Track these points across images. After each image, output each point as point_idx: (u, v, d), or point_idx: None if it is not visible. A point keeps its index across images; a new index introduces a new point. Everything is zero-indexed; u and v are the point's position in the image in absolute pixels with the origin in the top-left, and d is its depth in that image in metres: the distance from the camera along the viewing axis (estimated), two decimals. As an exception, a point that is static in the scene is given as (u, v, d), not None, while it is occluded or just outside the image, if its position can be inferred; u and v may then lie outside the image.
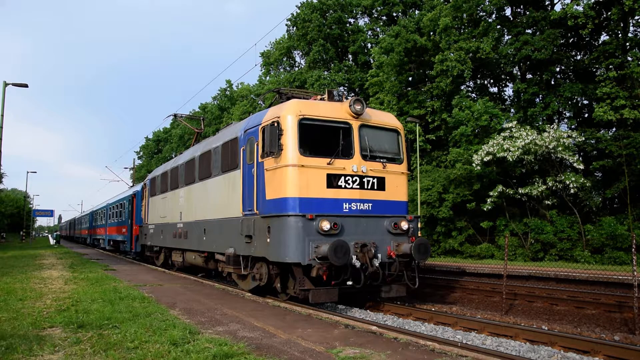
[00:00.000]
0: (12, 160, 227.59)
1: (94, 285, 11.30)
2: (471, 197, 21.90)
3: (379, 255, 8.87)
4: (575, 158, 19.22)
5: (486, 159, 20.16)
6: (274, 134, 8.77)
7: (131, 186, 36.29)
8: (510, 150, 19.44)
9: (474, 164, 20.71)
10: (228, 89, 51.67)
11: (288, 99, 10.14)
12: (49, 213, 66.18)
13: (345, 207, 8.90)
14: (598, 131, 21.07)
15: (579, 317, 9.85)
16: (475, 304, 11.76)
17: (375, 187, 9.28)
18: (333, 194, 8.84)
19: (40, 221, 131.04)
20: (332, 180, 8.86)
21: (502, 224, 21.19)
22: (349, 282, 8.62)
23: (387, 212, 9.33)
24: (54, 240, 51.01)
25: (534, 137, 19.10)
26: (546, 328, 8.89)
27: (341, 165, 8.96)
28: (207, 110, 51.73)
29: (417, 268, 9.65)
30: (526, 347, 7.20)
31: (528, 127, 20.09)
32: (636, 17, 20.30)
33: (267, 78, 41.14)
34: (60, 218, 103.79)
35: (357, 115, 9.30)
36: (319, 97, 10.12)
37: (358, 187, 9.07)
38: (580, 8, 19.93)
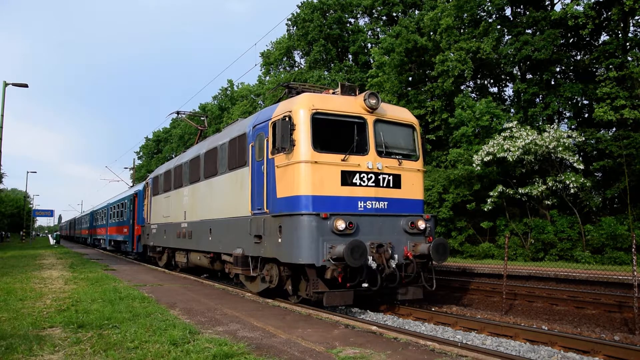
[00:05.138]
0: (12, 160, 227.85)
1: (94, 285, 11.31)
2: (471, 197, 21.89)
3: (396, 256, 8.56)
4: (575, 158, 19.20)
5: (486, 159, 20.15)
6: (285, 129, 8.38)
7: (131, 186, 36.27)
8: (510, 151, 19.44)
9: (474, 164, 20.71)
10: (229, 88, 51.67)
11: (298, 93, 9.74)
12: (49, 213, 66.10)
13: (360, 205, 8.56)
14: (598, 131, 21.05)
15: (579, 317, 9.84)
16: (475, 304, 11.75)
17: (391, 185, 8.96)
18: (347, 191, 8.50)
19: (40, 221, 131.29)
20: (347, 178, 8.51)
21: (502, 224, 21.19)
22: (365, 284, 8.24)
23: (403, 211, 9.01)
24: (54, 240, 50.99)
25: (534, 137, 19.10)
26: (546, 328, 8.88)
27: (356, 162, 8.62)
28: (207, 110, 51.72)
29: (433, 269, 9.34)
30: (526, 347, 7.20)
31: (528, 127, 20.08)
32: (636, 17, 20.28)
33: (267, 78, 41.15)
34: (60, 218, 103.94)
35: (372, 109, 8.97)
36: (331, 91, 9.79)
37: (373, 184, 8.73)
38: (580, 8, 19.92)
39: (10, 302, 8.65)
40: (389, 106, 9.78)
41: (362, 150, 8.79)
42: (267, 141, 9.23)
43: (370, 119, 8.96)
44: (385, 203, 8.83)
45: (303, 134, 8.41)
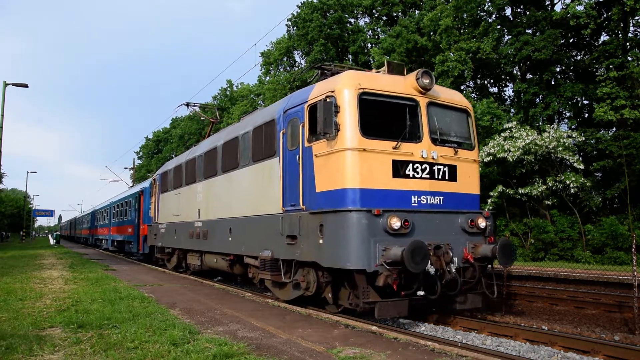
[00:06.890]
0: (12, 160, 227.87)
1: (94, 285, 11.31)
2: (471, 197, 21.89)
3: (455, 259, 7.49)
4: (575, 158, 19.24)
5: (487, 159, 20.17)
6: (328, 111, 7.29)
7: (131, 186, 36.14)
8: (510, 151, 19.45)
9: (474, 165, 20.70)
10: (228, 88, 51.70)
11: (332, 75, 8.64)
12: (49, 213, 66.27)
13: (414, 200, 7.50)
14: (598, 131, 21.08)
15: (579, 317, 9.84)
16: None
17: (447, 177, 7.90)
18: (399, 184, 7.42)
19: (40, 221, 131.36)
20: (399, 168, 7.43)
21: (502, 224, 21.21)
22: (421, 292, 7.16)
23: (460, 207, 7.98)
24: (54, 241, 51.00)
25: (534, 137, 19.11)
26: (546, 328, 8.87)
27: (409, 150, 7.55)
28: (207, 110, 51.79)
29: (494, 274, 8.35)
30: (526, 347, 7.20)
31: (528, 127, 20.10)
32: (636, 17, 20.30)
33: (267, 78, 41.16)
34: (60, 218, 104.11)
35: (425, 90, 7.91)
36: (374, 70, 8.89)
37: (428, 176, 7.66)
38: (581, 8, 19.92)
39: (10, 302, 8.64)
40: (441, 88, 8.71)
41: (414, 137, 7.75)
42: (303, 127, 8.12)
43: (422, 102, 7.90)
44: (441, 198, 7.78)
45: (349, 117, 7.31)
